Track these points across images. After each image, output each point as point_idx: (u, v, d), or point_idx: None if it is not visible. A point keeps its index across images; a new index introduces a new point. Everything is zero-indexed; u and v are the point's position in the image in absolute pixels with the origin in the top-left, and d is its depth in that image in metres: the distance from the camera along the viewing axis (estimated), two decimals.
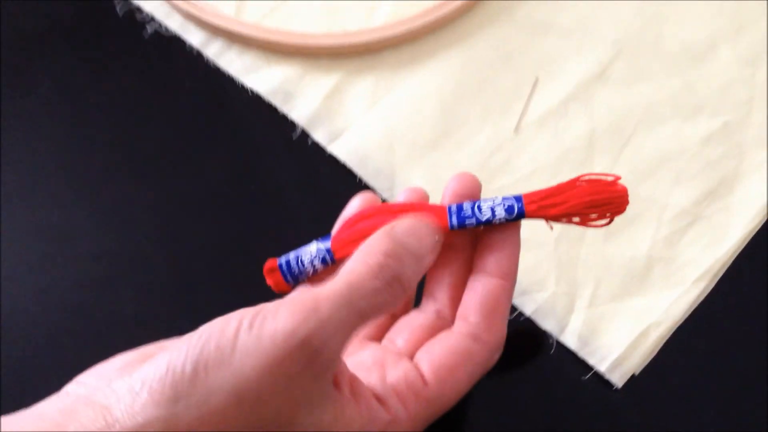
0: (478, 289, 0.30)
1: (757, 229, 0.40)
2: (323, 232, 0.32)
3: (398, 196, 0.33)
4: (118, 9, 0.47)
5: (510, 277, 0.30)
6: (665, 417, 0.37)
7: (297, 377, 0.24)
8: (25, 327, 0.39)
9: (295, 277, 0.32)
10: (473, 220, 0.30)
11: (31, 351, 0.38)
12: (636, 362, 0.37)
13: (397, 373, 0.28)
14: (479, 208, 0.30)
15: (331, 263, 0.31)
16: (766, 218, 0.40)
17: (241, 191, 0.42)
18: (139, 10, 0.47)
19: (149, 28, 0.46)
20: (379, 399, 0.27)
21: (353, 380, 0.27)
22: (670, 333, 0.38)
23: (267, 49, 0.45)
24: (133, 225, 0.41)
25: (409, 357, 0.29)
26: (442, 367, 0.28)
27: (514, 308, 0.38)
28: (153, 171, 0.43)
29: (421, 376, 0.28)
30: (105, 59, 0.46)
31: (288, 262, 0.32)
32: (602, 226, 0.30)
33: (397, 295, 0.27)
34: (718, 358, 0.38)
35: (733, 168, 0.42)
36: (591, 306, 0.39)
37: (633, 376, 0.37)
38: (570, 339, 0.38)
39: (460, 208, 0.30)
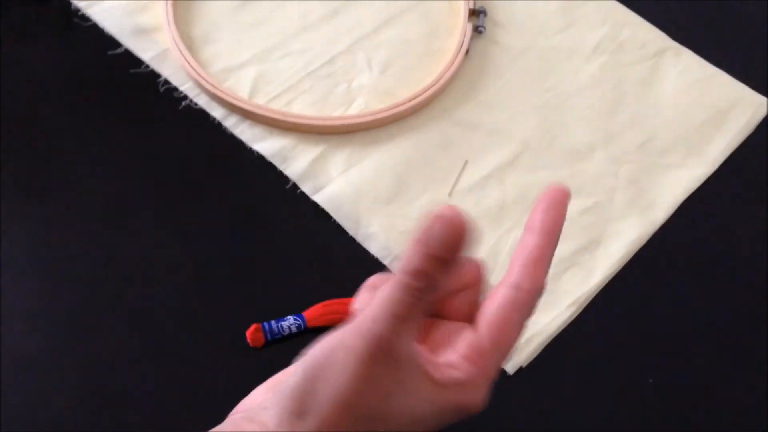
0: (522, 248, 0.33)
1: (614, 273, 0.57)
2: (303, 253, 0.47)
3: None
4: (160, 87, 0.63)
5: (550, 234, 0.33)
6: (544, 398, 0.51)
7: (383, 375, 0.29)
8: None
9: (273, 336, 0.51)
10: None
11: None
12: (523, 358, 0.52)
13: (461, 340, 0.32)
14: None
15: (303, 329, 0.52)
16: (620, 266, 0.57)
17: (245, 225, 0.57)
18: (176, 89, 0.63)
19: (183, 103, 0.62)
20: (453, 366, 0.31)
21: (428, 360, 0.31)
22: (548, 341, 0.53)
23: (271, 124, 0.61)
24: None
25: (470, 323, 0.33)
26: (494, 324, 0.32)
27: None
28: (179, 203, 0.58)
29: (481, 336, 0.32)
30: (149, 123, 0.62)
31: (269, 324, 0.51)
32: None
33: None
34: (584, 362, 0.53)
35: (599, 232, 0.58)
36: None
37: (521, 368, 0.52)
38: None
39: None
